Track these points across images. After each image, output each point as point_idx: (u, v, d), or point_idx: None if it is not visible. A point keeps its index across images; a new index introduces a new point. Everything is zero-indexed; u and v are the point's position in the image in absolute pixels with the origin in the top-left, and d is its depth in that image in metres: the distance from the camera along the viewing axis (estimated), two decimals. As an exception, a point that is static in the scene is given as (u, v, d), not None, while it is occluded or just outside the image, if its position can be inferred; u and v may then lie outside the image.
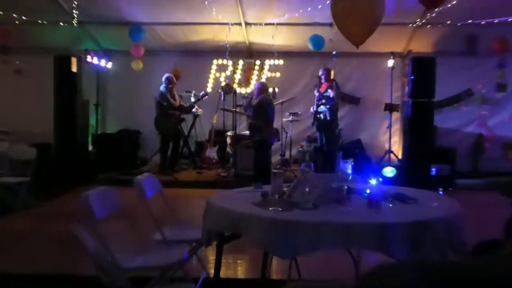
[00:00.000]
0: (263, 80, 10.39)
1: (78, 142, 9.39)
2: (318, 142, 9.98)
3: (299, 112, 10.23)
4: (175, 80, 9.88)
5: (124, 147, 10.47)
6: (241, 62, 10.75)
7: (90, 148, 10.49)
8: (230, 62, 10.65)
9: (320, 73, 9.55)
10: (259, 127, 8.27)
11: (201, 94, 10.09)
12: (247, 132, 9.17)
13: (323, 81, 9.53)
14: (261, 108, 8.28)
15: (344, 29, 4.98)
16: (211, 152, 10.45)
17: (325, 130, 9.50)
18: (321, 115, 9.40)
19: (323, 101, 9.38)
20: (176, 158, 10.38)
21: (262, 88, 8.59)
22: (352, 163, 8.66)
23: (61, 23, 9.97)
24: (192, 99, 10.16)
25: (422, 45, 10.41)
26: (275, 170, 2.99)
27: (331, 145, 9.36)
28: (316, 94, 9.45)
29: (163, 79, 9.75)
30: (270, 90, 10.26)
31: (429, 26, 9.76)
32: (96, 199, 3.18)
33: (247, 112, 8.97)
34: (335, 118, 9.47)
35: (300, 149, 10.90)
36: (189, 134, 10.75)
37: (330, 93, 9.33)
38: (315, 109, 9.42)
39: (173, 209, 4.18)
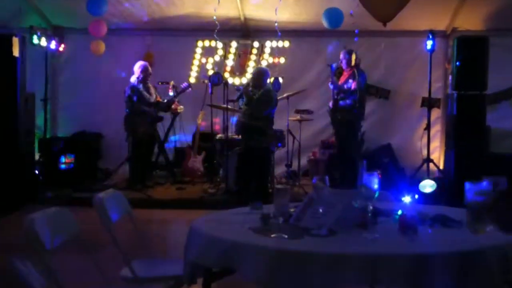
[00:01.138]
0: (264, 65, 10.43)
1: (20, 149, 9.36)
2: (335, 148, 9.98)
3: (311, 110, 10.25)
4: (150, 69, 9.91)
5: (81, 156, 10.47)
6: (234, 44, 10.77)
7: (37, 157, 10.48)
8: (220, 44, 10.67)
9: (341, 56, 9.58)
10: (260, 128, 8.26)
11: (182, 86, 10.11)
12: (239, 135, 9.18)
13: (344, 67, 9.55)
14: (267, 103, 8.28)
15: (367, 2, 5.02)
16: (195, 162, 10.46)
17: (345, 132, 9.50)
18: (339, 114, 9.40)
19: (342, 94, 9.39)
20: (150, 169, 10.37)
21: (265, 75, 8.67)
22: (380, 176, 8.62)
23: (-2, -7, 10.01)
24: (171, 93, 10.17)
25: (470, 21, 10.44)
26: (279, 186, 2.99)
27: (353, 152, 9.37)
28: (331, 86, 9.44)
29: (136, 68, 9.77)
30: (273, 80, 10.32)
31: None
32: (44, 224, 3.18)
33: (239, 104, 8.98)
34: (358, 117, 9.48)
35: (312, 157, 10.91)
36: (167, 138, 10.75)
37: (352, 84, 9.35)
38: (332, 105, 9.44)
39: (145, 237, 4.18)
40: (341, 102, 9.40)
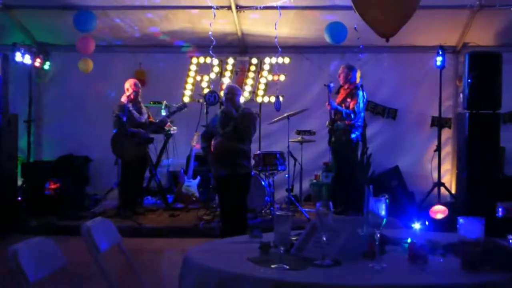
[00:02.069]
0: (263, 83, 10.47)
1: (1, 175, 9.35)
2: (334, 170, 9.99)
3: (313, 130, 10.27)
4: (140, 86, 9.93)
5: (67, 181, 10.45)
6: (231, 60, 10.80)
7: (20, 182, 10.47)
8: (216, 61, 10.71)
9: (340, 71, 9.64)
10: (246, 152, 7.72)
11: (176, 105, 10.13)
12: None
13: (341, 83, 9.60)
14: (254, 125, 7.76)
15: (367, 15, 5.04)
16: (190, 187, 10.45)
17: (341, 155, 9.53)
18: (338, 134, 9.44)
19: (339, 115, 9.44)
20: (141, 195, 10.35)
21: (240, 93, 8.08)
22: (387, 201, 8.59)
23: (-21, 8, 10.06)
24: (163, 113, 10.19)
25: (482, 36, 10.52)
26: (279, 212, 2.99)
27: (358, 176, 9.37)
28: (328, 107, 9.50)
29: (126, 85, 9.77)
30: (273, 99, 10.36)
31: (493, 9, 9.84)
32: (28, 255, 3.17)
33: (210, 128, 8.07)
34: (357, 139, 9.52)
35: (315, 181, 10.91)
36: (159, 161, 10.75)
37: (349, 103, 9.39)
38: (329, 125, 9.49)
39: (136, 268, 4.16)
40: (338, 123, 9.44)
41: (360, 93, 9.47)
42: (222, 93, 10.24)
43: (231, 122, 7.50)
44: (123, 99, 9.71)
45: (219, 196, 8.05)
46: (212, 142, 7.51)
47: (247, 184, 7.74)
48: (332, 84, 9.49)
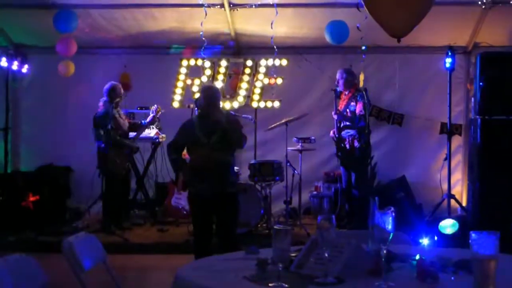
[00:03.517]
0: (259, 86, 10.47)
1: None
2: (342, 182, 10.00)
3: (313, 138, 10.27)
4: (122, 90, 9.92)
5: (47, 193, 10.43)
6: (223, 62, 10.79)
7: (-5, 194, 10.47)
8: (207, 63, 10.70)
9: (338, 76, 9.66)
10: (232, 165, 7.19)
11: (153, 109, 10.16)
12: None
13: (341, 89, 9.63)
14: (239, 133, 7.10)
15: (379, 14, 5.06)
16: (180, 199, 10.43)
17: (353, 165, 9.54)
18: (347, 143, 9.46)
19: (347, 122, 9.46)
20: (126, 208, 10.33)
21: (220, 96, 7.56)
22: (394, 214, 8.56)
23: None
24: (150, 117, 10.18)
25: (495, 36, 10.55)
26: (277, 226, 2.98)
27: (362, 187, 9.38)
28: (335, 116, 9.54)
29: (105, 89, 9.77)
30: (270, 104, 10.35)
31: (507, 6, 9.84)
32: (5, 274, 3.17)
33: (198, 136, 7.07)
34: (367, 145, 9.53)
35: (315, 192, 10.91)
36: (146, 171, 10.75)
37: (355, 107, 9.41)
38: (336, 134, 9.49)
39: (123, 286, 4.16)
40: (346, 130, 9.45)
41: (363, 96, 9.47)
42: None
43: (218, 130, 6.78)
44: (103, 104, 9.65)
45: (198, 218, 7.02)
46: (187, 155, 7.10)
47: (237, 204, 7.19)
48: (339, 89, 9.52)
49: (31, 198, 10.22)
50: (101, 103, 9.73)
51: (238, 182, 7.45)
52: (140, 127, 10.12)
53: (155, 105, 10.20)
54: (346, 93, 9.64)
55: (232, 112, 7.68)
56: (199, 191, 6.87)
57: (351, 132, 9.46)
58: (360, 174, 9.49)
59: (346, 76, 9.59)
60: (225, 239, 6.94)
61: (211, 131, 6.82)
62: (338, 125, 9.53)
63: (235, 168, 7.99)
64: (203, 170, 6.79)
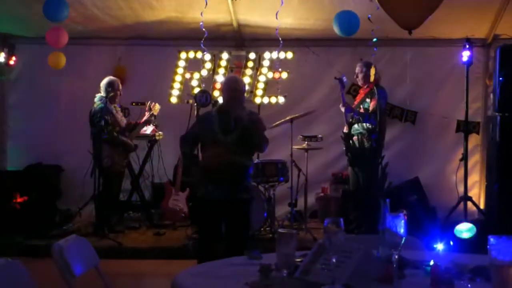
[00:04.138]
0: (262, 81, 10.47)
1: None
2: (350, 183, 9.99)
3: (320, 136, 10.27)
4: (120, 86, 9.92)
5: (36, 193, 10.45)
6: (225, 55, 10.79)
7: (-20, 195, 10.49)
8: (208, 56, 10.70)
9: (357, 70, 9.65)
10: (249, 170, 6.83)
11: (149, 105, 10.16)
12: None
13: (360, 83, 9.63)
14: (261, 135, 6.79)
15: (389, 4, 5.06)
16: (178, 201, 10.44)
17: (362, 164, 9.53)
18: (355, 141, 9.45)
19: (360, 117, 9.44)
20: (120, 210, 10.33)
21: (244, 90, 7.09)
22: (406, 217, 8.54)
23: None
24: (147, 116, 10.18)
25: (516, 27, 10.54)
26: (282, 230, 2.98)
27: (372, 188, 9.38)
28: (343, 109, 9.52)
29: (103, 84, 9.76)
30: (274, 100, 10.35)
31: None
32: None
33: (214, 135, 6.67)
34: (378, 145, 9.51)
35: (322, 194, 10.91)
36: (142, 171, 10.75)
37: (370, 104, 9.39)
38: (345, 130, 9.48)
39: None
40: (355, 127, 9.43)
41: (381, 92, 9.44)
42: (217, 87, 10.23)
43: (238, 129, 6.44)
44: (100, 99, 9.64)
45: (205, 224, 6.75)
46: (201, 153, 6.72)
47: (249, 212, 6.83)
48: (345, 79, 9.50)
49: (19, 199, 10.25)
50: (96, 99, 9.69)
51: (251, 190, 6.95)
52: (134, 126, 10.09)
53: (151, 102, 10.21)
54: (365, 87, 9.61)
55: (254, 111, 7.12)
56: (209, 195, 6.52)
57: (360, 129, 9.42)
58: (368, 174, 9.48)
59: (366, 70, 9.57)
60: (235, 248, 6.36)
61: (230, 128, 6.47)
62: (350, 120, 9.49)
63: None
64: (216, 171, 6.45)
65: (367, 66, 9.59)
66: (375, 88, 9.39)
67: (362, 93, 9.69)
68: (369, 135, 9.37)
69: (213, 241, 6.61)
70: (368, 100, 9.45)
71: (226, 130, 6.46)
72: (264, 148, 6.83)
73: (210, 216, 6.59)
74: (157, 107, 10.30)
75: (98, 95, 9.71)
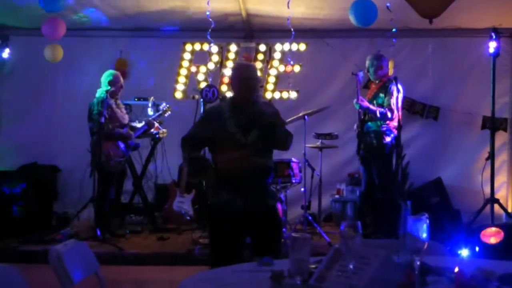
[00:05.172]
0: (273, 75, 10.46)
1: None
2: (362, 183, 9.98)
3: (335, 134, 10.27)
4: (122, 80, 9.92)
5: (31, 195, 10.46)
6: (233, 47, 10.80)
7: (-28, 197, 10.52)
8: (215, 48, 10.71)
9: (367, 64, 9.64)
10: (272, 169, 6.27)
11: (161, 107, 10.14)
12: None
13: (372, 78, 9.61)
14: (284, 130, 6.20)
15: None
16: (183, 203, 10.45)
17: (377, 164, 9.51)
18: (369, 138, 9.43)
19: (371, 115, 9.43)
20: (121, 213, 10.35)
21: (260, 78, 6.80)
22: (428, 221, 8.50)
23: None
24: (151, 112, 10.20)
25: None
26: (294, 234, 2.96)
27: (391, 189, 9.37)
28: (357, 106, 9.51)
29: (103, 78, 9.75)
30: (286, 95, 10.35)
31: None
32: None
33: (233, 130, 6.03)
34: (395, 144, 9.50)
35: (337, 196, 10.91)
36: (145, 171, 10.77)
37: (384, 99, 9.38)
38: (358, 128, 9.46)
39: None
40: (369, 124, 9.41)
41: (395, 86, 9.44)
42: (225, 82, 10.23)
43: (258, 126, 5.80)
44: (101, 94, 9.60)
45: (221, 240, 5.87)
46: (211, 156, 6.01)
47: (280, 219, 6.44)
48: (361, 74, 9.48)
49: (13, 202, 10.25)
50: (97, 94, 9.66)
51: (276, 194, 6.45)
52: (138, 129, 10.08)
53: (164, 104, 10.22)
54: (377, 82, 9.60)
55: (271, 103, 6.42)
56: (227, 205, 5.77)
57: (374, 127, 9.40)
58: (387, 175, 9.46)
59: (377, 63, 9.55)
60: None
61: (249, 126, 5.80)
62: (362, 117, 9.48)
63: None
64: (235, 178, 5.74)
65: (378, 58, 9.57)
66: (387, 82, 9.39)
67: (374, 87, 9.65)
68: (382, 133, 9.34)
69: (233, 261, 4.80)
70: (382, 94, 9.42)
71: (246, 129, 5.77)
72: (288, 145, 6.11)
73: (228, 231, 5.75)
74: (161, 132, 10.39)
75: (98, 90, 9.70)
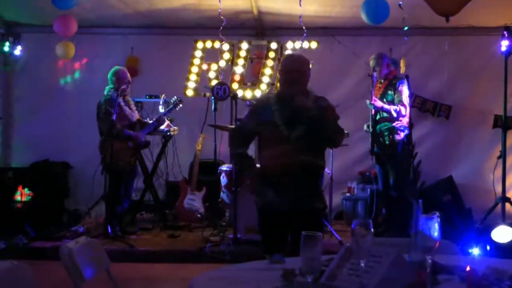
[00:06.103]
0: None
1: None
2: (379, 183, 9.96)
3: (346, 132, 10.21)
4: (129, 77, 9.89)
5: (42, 192, 10.48)
6: (245, 45, 10.80)
7: (-16, 193, 10.54)
8: (226, 46, 10.70)
9: (372, 63, 9.61)
10: (322, 169, 6.03)
11: (172, 101, 10.12)
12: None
13: (381, 77, 9.58)
14: (334, 126, 5.85)
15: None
16: (194, 201, 10.45)
17: (391, 163, 9.49)
18: (381, 137, 9.40)
19: (384, 114, 9.39)
20: (132, 210, 10.36)
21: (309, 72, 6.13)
22: (440, 220, 8.47)
23: None
24: (162, 110, 10.19)
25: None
26: (306, 232, 2.94)
27: (403, 188, 9.34)
28: (371, 106, 9.49)
29: (109, 75, 9.74)
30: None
31: None
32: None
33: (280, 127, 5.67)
34: (406, 142, 9.48)
35: (348, 194, 10.89)
36: (156, 169, 10.77)
37: (394, 97, 9.35)
38: (370, 128, 9.43)
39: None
40: (381, 125, 9.39)
41: (404, 84, 9.41)
42: (236, 79, 10.22)
43: (304, 121, 5.53)
44: (108, 91, 9.56)
45: (268, 233, 5.80)
46: (257, 151, 5.93)
47: (322, 226, 6.29)
48: (375, 74, 9.46)
49: (24, 198, 10.27)
50: (105, 92, 9.65)
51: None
52: (148, 125, 10.04)
53: (175, 97, 10.19)
54: (382, 81, 9.57)
55: (324, 97, 5.97)
56: (271, 204, 5.65)
57: (389, 125, 9.37)
58: (400, 173, 9.44)
59: (381, 62, 9.52)
60: None
61: (294, 121, 5.56)
62: (374, 117, 9.45)
63: None
64: (279, 175, 5.54)
65: (382, 57, 9.54)
66: (398, 79, 9.37)
67: (381, 86, 9.61)
68: (395, 131, 9.31)
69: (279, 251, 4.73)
70: (390, 92, 9.39)
71: (290, 123, 5.55)
72: (338, 142, 5.94)
73: (273, 226, 5.69)
74: (172, 130, 10.36)
75: (107, 88, 9.69)
